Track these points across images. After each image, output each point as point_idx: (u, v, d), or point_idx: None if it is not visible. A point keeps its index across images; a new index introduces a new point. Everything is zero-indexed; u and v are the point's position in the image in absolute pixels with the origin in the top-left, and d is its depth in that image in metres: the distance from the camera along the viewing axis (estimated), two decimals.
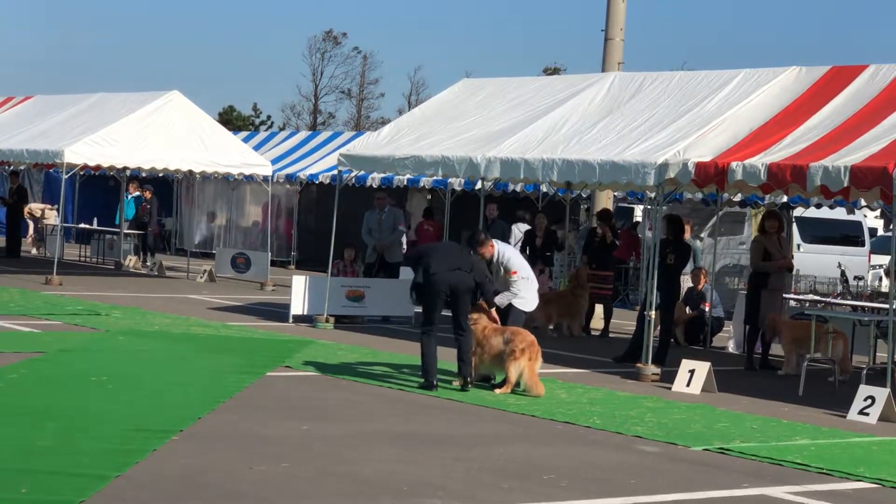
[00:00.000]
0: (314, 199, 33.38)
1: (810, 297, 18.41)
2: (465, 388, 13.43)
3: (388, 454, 9.91)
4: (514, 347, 13.51)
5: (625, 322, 21.81)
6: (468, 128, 18.68)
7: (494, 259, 14.39)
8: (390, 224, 21.31)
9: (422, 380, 13.53)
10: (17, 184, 31.33)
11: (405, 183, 29.84)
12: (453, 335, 13.69)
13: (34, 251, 33.05)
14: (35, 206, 34.86)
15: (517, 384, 13.52)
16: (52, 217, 33.92)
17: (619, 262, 26.32)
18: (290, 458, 9.48)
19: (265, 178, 26.87)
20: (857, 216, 28.28)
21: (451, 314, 13.66)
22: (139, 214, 30.82)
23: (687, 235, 21.24)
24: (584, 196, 25.50)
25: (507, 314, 14.31)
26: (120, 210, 31.07)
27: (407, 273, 22.40)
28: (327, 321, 19.18)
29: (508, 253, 14.69)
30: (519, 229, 24.34)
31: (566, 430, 11.58)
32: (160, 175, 31.12)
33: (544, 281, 19.98)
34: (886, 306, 17.08)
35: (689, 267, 19.46)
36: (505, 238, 21.59)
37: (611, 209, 22.29)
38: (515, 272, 14.38)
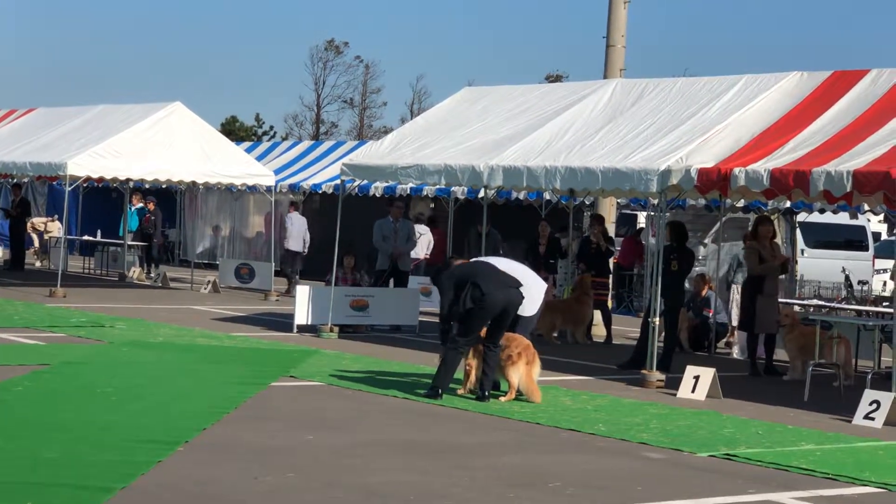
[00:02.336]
0: (317, 209, 33.41)
1: (814, 302, 18.40)
2: (483, 399, 13.30)
3: (394, 464, 9.91)
4: (510, 353, 13.42)
5: (629, 329, 21.81)
6: (471, 136, 18.67)
7: None
8: (406, 233, 21.37)
9: (428, 388, 13.48)
10: (19, 196, 31.35)
11: (408, 192, 29.85)
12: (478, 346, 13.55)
13: (38, 263, 33.09)
14: (37, 221, 34.91)
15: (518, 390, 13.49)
16: (56, 229, 33.95)
17: (623, 269, 26.31)
18: (296, 468, 9.48)
19: (268, 189, 26.88)
20: (860, 221, 28.28)
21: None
22: (143, 226, 30.86)
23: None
24: (587, 203, 25.52)
25: (515, 323, 14.21)
26: (123, 222, 31.11)
27: (415, 282, 22.46)
28: (331, 331, 19.18)
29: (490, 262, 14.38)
30: (419, 231, 24.65)
31: (571, 438, 11.57)
32: (163, 186, 31.15)
33: (548, 289, 19.98)
34: (891, 311, 17.10)
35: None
36: (497, 247, 21.69)
37: (603, 215, 22.27)
38: None
